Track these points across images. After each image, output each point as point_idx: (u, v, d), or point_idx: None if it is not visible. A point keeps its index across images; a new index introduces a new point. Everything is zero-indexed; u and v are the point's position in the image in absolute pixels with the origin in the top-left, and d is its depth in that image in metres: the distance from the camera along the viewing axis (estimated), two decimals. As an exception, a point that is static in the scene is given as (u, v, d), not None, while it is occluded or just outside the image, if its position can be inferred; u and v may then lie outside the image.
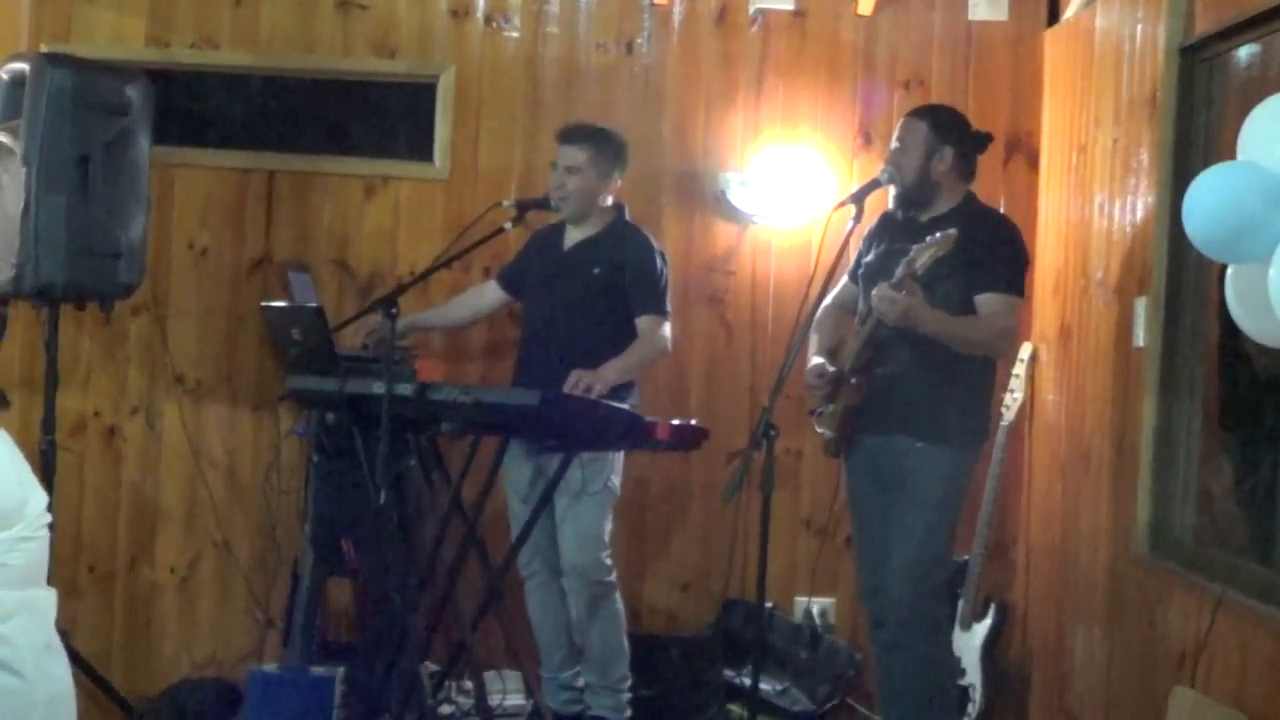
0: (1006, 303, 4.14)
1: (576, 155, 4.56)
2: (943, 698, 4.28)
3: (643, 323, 4.56)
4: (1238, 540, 3.65)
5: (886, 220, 4.36)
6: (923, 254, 3.90)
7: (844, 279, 4.40)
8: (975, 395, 4.23)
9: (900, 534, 4.14)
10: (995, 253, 4.13)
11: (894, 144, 4.29)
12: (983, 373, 4.24)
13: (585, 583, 4.54)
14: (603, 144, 4.59)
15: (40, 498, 2.72)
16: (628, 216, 4.71)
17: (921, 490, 4.12)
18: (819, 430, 4.33)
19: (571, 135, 4.60)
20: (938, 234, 3.91)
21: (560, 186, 4.57)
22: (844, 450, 4.30)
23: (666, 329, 4.59)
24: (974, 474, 4.30)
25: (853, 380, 4.17)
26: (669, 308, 4.61)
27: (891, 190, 4.27)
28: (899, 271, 3.94)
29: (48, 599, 2.71)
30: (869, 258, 4.32)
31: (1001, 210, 4.78)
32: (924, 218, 4.22)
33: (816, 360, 4.28)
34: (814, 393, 4.29)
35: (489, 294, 4.87)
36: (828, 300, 4.30)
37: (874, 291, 4.01)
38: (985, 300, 4.10)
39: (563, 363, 4.40)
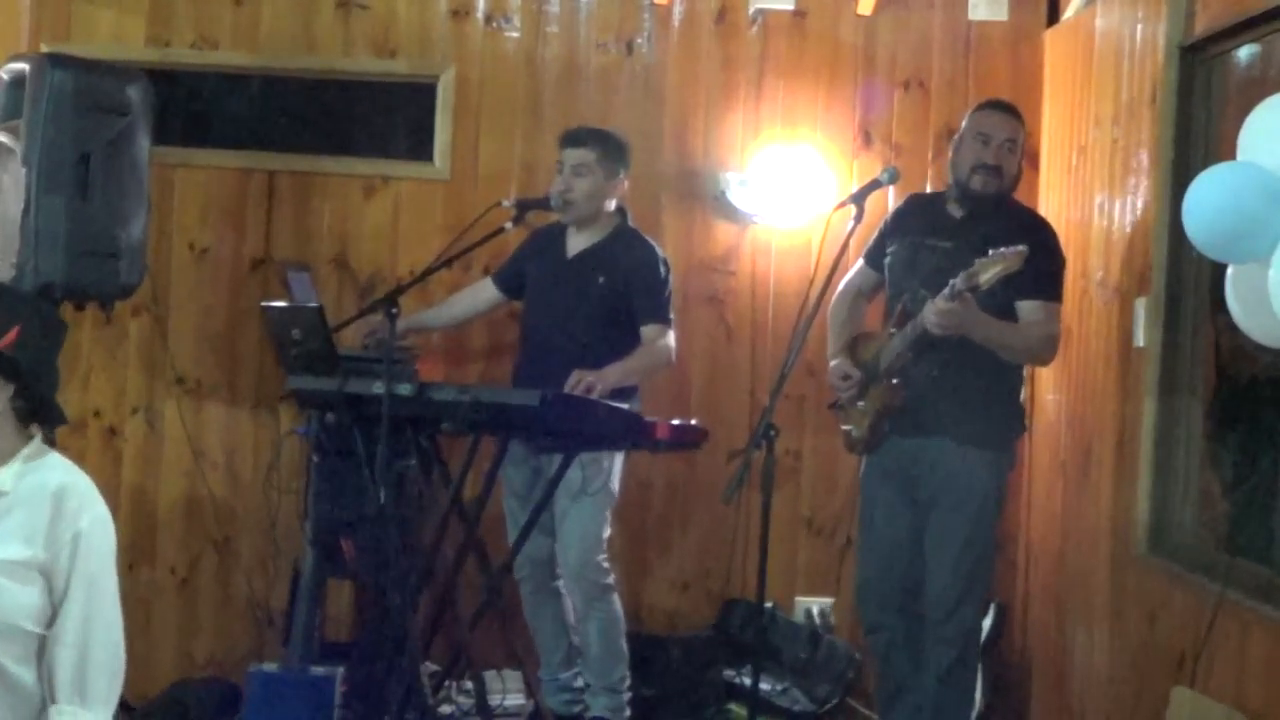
0: (1049, 309, 4.13)
1: (585, 156, 4.54)
2: (964, 702, 4.27)
3: (647, 332, 4.55)
4: (1238, 540, 3.65)
5: (914, 207, 4.32)
6: (988, 269, 3.73)
7: (860, 263, 4.34)
8: (1011, 396, 4.25)
9: (944, 538, 4.11)
10: (1036, 258, 3.93)
11: (1001, 143, 4.13)
12: (1016, 373, 4.26)
13: (583, 584, 4.54)
14: (609, 144, 4.59)
15: None
16: (630, 221, 4.71)
17: (965, 493, 4.11)
18: (844, 427, 4.30)
19: (578, 138, 4.59)
20: (1004, 249, 3.74)
21: (567, 190, 4.54)
22: (870, 449, 4.26)
23: (670, 338, 4.58)
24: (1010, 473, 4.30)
25: (892, 381, 4.12)
26: (673, 316, 4.61)
27: (962, 189, 4.15)
28: (958, 284, 3.80)
29: None
30: (894, 247, 4.28)
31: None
32: (959, 214, 4.19)
33: (838, 361, 4.26)
34: (840, 395, 4.27)
35: (485, 293, 4.87)
36: (842, 286, 4.26)
37: (929, 305, 3.90)
38: (1028, 307, 4.08)
39: (565, 369, 4.38)
